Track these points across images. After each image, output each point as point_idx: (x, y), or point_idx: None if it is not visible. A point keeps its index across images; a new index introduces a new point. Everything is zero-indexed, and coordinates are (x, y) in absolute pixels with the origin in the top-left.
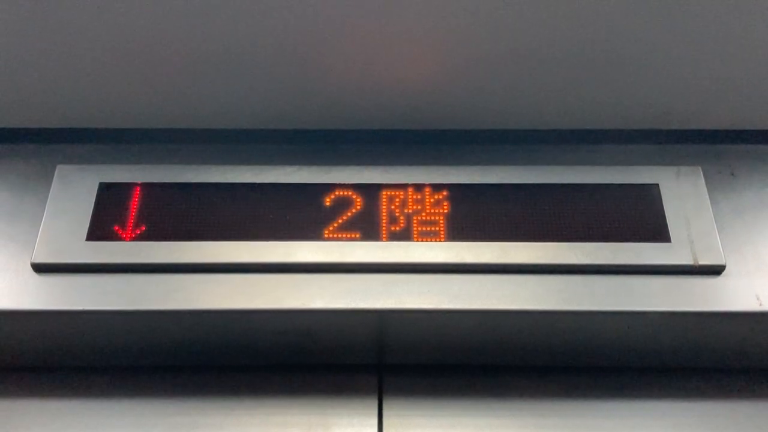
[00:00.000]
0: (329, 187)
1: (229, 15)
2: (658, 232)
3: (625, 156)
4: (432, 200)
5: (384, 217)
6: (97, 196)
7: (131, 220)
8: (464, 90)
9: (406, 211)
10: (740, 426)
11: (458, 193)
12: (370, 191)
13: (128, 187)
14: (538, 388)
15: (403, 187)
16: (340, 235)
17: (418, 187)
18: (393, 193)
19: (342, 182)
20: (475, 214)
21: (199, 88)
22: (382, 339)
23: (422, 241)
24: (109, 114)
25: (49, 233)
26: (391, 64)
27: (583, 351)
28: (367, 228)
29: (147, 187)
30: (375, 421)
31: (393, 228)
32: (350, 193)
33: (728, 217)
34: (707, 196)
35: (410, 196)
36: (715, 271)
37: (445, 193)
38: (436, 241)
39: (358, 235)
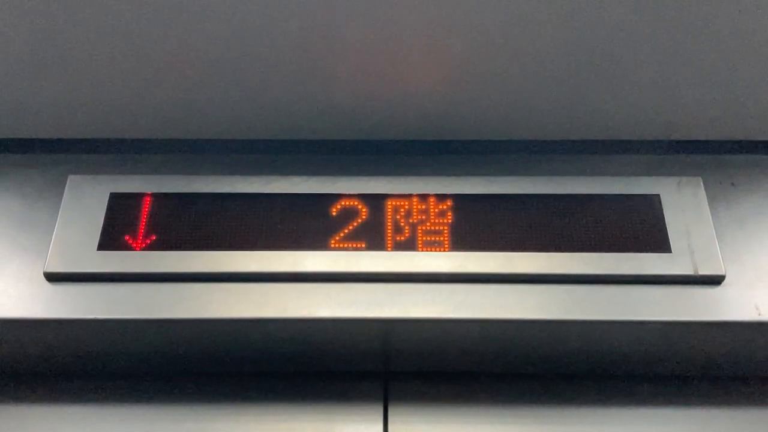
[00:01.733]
0: (335, 198)
1: (238, 26)
2: (659, 243)
3: (626, 167)
4: (436, 210)
5: (389, 227)
6: (108, 206)
7: (142, 230)
8: (468, 101)
9: (410, 221)
10: None
11: (462, 203)
12: (376, 201)
13: (139, 197)
14: (542, 396)
15: (407, 197)
16: (346, 245)
17: (423, 197)
18: (398, 203)
19: (348, 192)
20: (478, 224)
21: (208, 99)
22: (388, 347)
23: (427, 250)
24: (120, 125)
25: (62, 243)
26: (396, 75)
27: (586, 359)
28: (372, 238)
29: (157, 197)
30: (380, 427)
31: (398, 238)
32: (356, 203)
33: (728, 228)
34: (708, 207)
35: (415, 206)
36: (715, 281)
37: (449, 203)
38: (440, 250)
39: (363, 245)
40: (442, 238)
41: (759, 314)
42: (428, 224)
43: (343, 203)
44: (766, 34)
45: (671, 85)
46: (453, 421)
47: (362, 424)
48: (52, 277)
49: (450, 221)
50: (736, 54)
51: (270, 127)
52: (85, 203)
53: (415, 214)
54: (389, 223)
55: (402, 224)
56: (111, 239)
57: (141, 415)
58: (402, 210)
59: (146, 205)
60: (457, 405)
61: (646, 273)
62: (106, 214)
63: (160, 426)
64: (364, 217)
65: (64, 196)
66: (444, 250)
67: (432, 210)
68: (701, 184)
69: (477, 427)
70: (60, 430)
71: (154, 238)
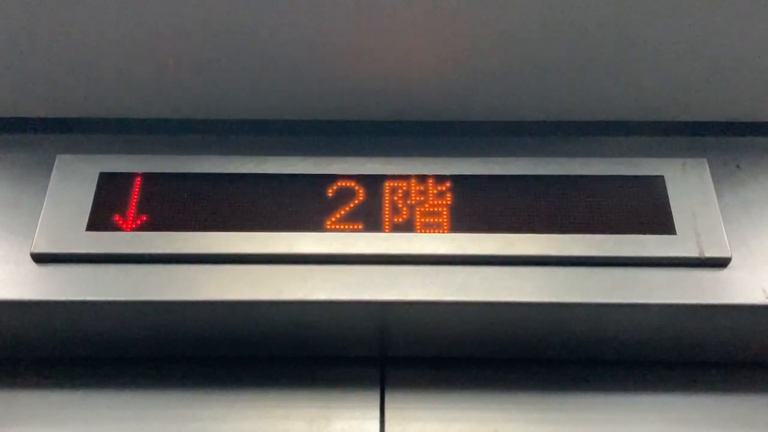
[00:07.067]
0: (332, 178)
1: (233, 5)
2: (664, 225)
3: (630, 148)
4: (435, 191)
5: (387, 209)
6: (98, 186)
7: (132, 211)
8: (468, 81)
9: (408, 202)
10: (745, 420)
11: (461, 184)
12: (373, 182)
13: (129, 177)
14: (542, 381)
15: (405, 178)
16: (342, 226)
17: (421, 179)
18: (396, 184)
19: (345, 173)
20: (478, 206)
21: (200, 78)
22: (385, 331)
23: (425, 232)
24: (110, 104)
25: (49, 223)
26: (394, 55)
27: (587, 344)
28: (369, 219)
29: (148, 177)
30: (377, 413)
31: (396, 219)
32: (353, 184)
33: (734, 210)
34: (713, 189)
35: (413, 188)
36: (721, 263)
37: (448, 184)
38: (439, 232)
39: (360, 227)
40: (440, 220)
41: (766, 297)
42: (427, 205)
43: (339, 184)
44: None
45: (676, 65)
46: (451, 408)
47: (358, 410)
48: (40, 258)
49: (449, 202)
50: (743, 34)
51: (264, 106)
52: (73, 183)
53: (413, 195)
54: (387, 205)
55: (400, 205)
56: (100, 220)
57: (131, 399)
58: (400, 191)
59: (137, 185)
60: (456, 391)
61: (651, 255)
62: (96, 194)
63: (150, 411)
64: (361, 198)
65: (52, 175)
66: (443, 232)
67: (431, 191)
68: (706, 165)
69: (474, 413)
70: (47, 414)
71: (144, 218)
